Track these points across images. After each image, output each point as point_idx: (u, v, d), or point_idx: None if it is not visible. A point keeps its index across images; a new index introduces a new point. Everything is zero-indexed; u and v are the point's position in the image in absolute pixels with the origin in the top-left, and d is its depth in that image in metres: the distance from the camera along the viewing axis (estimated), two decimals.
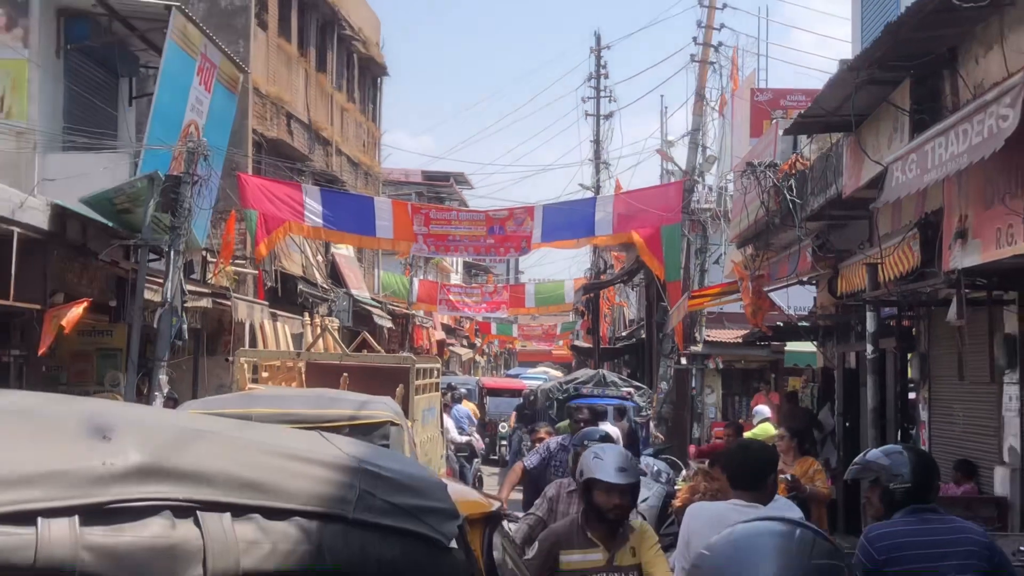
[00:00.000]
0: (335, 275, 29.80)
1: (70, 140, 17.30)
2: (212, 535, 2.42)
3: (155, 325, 15.35)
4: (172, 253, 15.27)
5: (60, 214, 14.67)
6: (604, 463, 5.79)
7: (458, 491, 3.21)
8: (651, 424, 22.74)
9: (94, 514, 2.32)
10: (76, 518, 2.30)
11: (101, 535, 2.31)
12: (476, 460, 22.30)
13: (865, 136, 11.31)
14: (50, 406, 2.69)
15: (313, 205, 22.06)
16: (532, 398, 24.59)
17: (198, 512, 2.42)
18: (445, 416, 24.54)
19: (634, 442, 17.78)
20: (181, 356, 18.88)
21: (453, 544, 2.78)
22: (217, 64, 19.19)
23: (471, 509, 3.12)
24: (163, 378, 15.11)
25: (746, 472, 5.64)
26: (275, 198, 21.93)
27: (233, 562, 2.41)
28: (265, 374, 14.46)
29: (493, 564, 3.13)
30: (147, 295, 15.54)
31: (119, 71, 19.40)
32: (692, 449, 17.44)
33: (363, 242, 25.10)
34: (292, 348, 20.02)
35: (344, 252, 31.24)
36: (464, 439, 22.50)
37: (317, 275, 27.37)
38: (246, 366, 14.26)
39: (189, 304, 16.75)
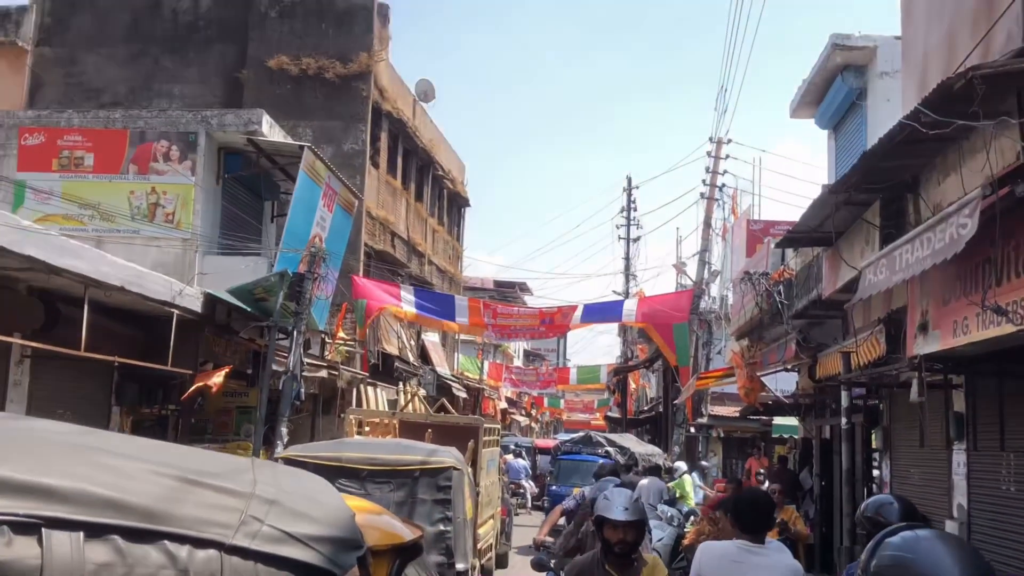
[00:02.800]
0: (424, 356, 29.39)
1: (224, 245, 17.19)
2: (55, 554, 1.77)
3: (280, 388, 15.04)
4: (295, 333, 15.06)
5: (211, 301, 14.53)
6: (611, 504, 5.44)
7: (371, 520, 2.51)
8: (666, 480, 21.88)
9: None
10: None
11: None
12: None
13: (841, 248, 10.74)
14: None
15: (408, 298, 21.76)
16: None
17: (43, 529, 1.80)
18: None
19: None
20: (302, 414, 18.55)
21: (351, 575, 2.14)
22: (338, 192, 19.04)
23: (379, 539, 2.42)
24: (284, 430, 14.74)
25: (754, 518, 5.14)
26: (380, 292, 21.67)
27: None
28: (367, 428, 14.06)
29: None
30: (275, 366, 15.27)
31: (263, 195, 19.39)
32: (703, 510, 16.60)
33: (445, 326, 24.60)
34: (388, 410, 19.57)
35: (432, 339, 30.90)
36: None
37: (410, 355, 26.97)
38: (354, 421, 13.97)
39: (308, 374, 16.48)
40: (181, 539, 1.93)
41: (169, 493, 1.99)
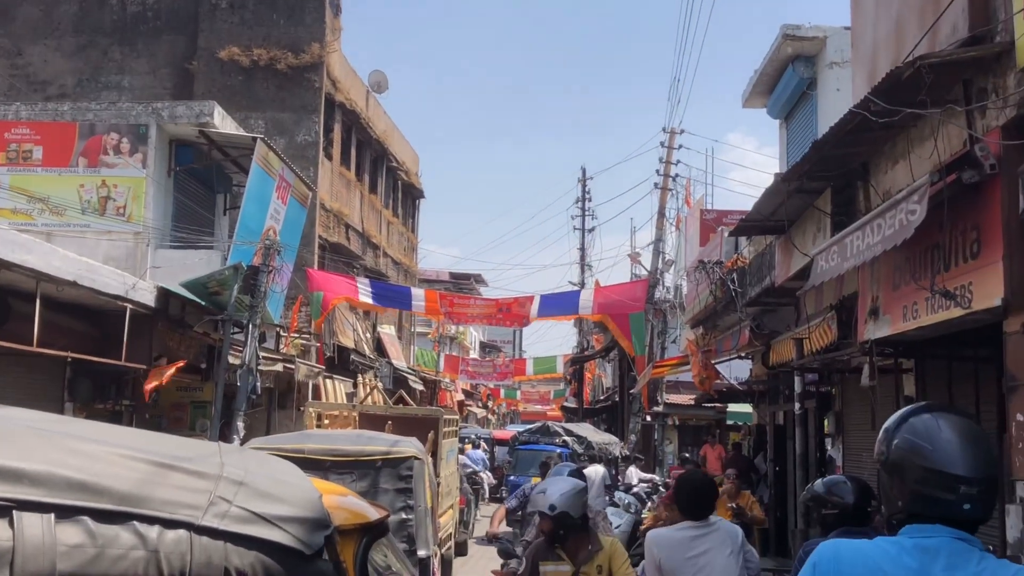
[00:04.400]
0: (380, 348, 29.32)
1: (176, 238, 17.03)
2: (26, 536, 1.80)
3: (235, 383, 14.95)
4: (250, 326, 14.97)
5: (164, 295, 14.40)
6: (539, 499, 5.71)
7: (338, 500, 2.54)
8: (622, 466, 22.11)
9: None
10: None
11: None
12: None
13: (794, 236, 10.91)
14: None
15: (365, 290, 21.72)
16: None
17: (14, 512, 1.82)
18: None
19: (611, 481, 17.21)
20: (258, 408, 18.44)
21: (319, 554, 2.16)
22: (291, 183, 18.93)
23: (346, 519, 2.43)
24: (240, 424, 14.65)
25: (696, 501, 5.24)
26: (335, 286, 21.60)
27: (48, 564, 1.81)
28: (327, 421, 14.05)
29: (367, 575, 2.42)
30: (230, 359, 15.17)
31: (216, 188, 19.23)
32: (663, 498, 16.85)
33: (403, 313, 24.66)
34: (346, 402, 19.53)
35: (388, 332, 30.82)
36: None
37: (366, 348, 26.88)
38: (313, 414, 13.96)
39: (263, 368, 16.37)
40: (151, 520, 1.95)
41: (138, 476, 2.01)
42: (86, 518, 1.89)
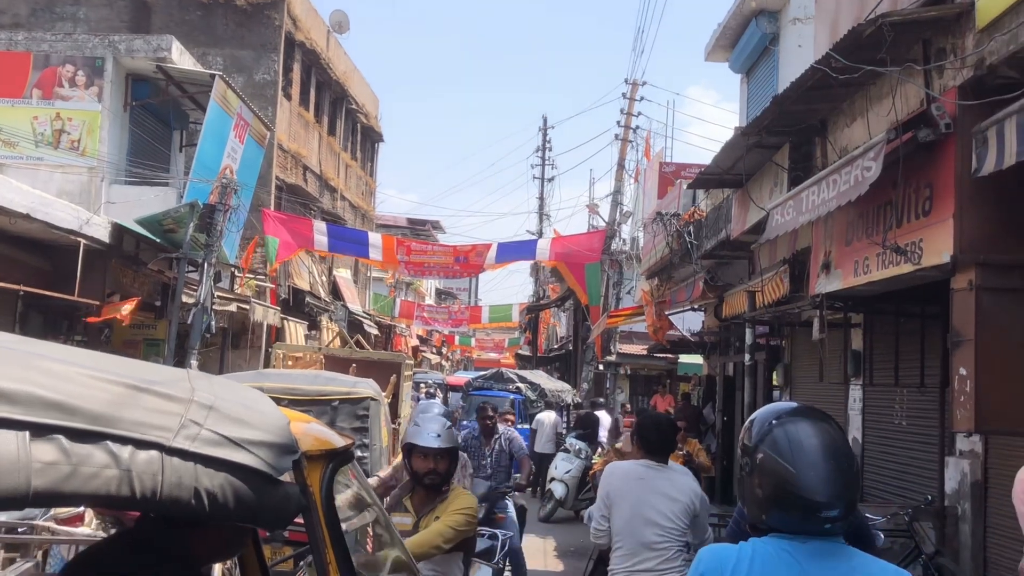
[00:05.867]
0: (335, 292, 29.22)
1: (131, 174, 16.79)
2: (1, 452, 1.82)
3: (189, 322, 14.88)
4: (205, 265, 14.87)
5: (118, 231, 14.26)
6: (422, 430, 4.93)
7: (305, 427, 2.60)
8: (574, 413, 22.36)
9: None
10: None
11: None
12: None
13: (751, 190, 11.03)
14: None
15: (321, 233, 21.56)
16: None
17: None
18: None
19: (593, 425, 17.23)
20: (211, 347, 18.36)
21: (285, 478, 2.22)
22: (249, 122, 18.69)
23: (313, 445, 2.49)
24: (194, 363, 14.60)
25: (657, 439, 5.30)
26: (291, 229, 21.42)
27: (23, 481, 1.84)
28: (290, 362, 14.13)
29: (332, 500, 2.50)
30: (185, 298, 15.09)
31: (172, 124, 18.91)
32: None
33: (359, 259, 24.53)
34: (303, 344, 19.54)
35: (344, 275, 30.70)
36: None
37: (321, 291, 26.79)
38: (281, 355, 14.06)
39: (218, 308, 16.30)
40: (123, 440, 1.98)
41: (111, 397, 2.03)
42: (60, 436, 1.91)
